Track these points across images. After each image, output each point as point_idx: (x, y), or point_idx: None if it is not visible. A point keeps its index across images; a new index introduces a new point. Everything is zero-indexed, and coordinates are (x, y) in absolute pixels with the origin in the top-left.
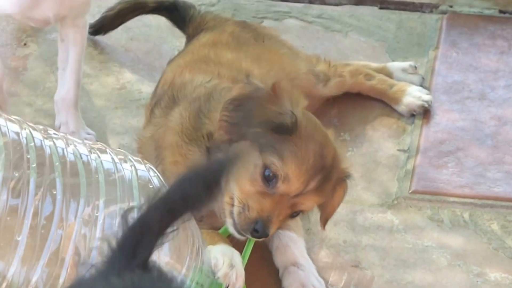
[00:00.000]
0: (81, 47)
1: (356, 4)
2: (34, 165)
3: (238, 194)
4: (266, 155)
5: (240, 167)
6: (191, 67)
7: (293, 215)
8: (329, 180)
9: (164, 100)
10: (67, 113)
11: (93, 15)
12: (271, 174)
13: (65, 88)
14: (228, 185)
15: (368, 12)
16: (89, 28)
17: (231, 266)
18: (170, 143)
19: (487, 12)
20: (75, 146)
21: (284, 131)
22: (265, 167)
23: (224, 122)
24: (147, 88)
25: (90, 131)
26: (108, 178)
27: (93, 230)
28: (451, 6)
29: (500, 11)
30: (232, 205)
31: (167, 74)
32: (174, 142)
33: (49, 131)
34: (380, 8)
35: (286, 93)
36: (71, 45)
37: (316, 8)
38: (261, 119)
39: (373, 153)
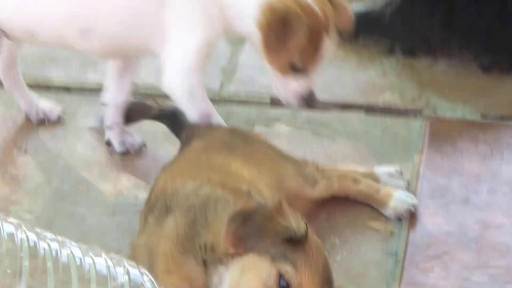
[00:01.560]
0: None
1: (343, 110)
2: (27, 264)
3: None
4: (279, 263)
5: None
6: (182, 173)
7: None
8: None
9: (157, 207)
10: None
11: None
12: (285, 284)
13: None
14: None
15: (355, 117)
16: None
17: None
18: (164, 251)
19: (469, 117)
20: (70, 249)
21: (295, 241)
22: (280, 275)
23: (231, 235)
24: (143, 194)
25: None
26: (101, 281)
27: None
28: (434, 111)
29: (482, 116)
30: None
31: (160, 181)
32: (169, 250)
33: (44, 234)
34: (366, 113)
35: (290, 210)
36: None
37: (305, 114)
38: (272, 232)
39: (362, 256)
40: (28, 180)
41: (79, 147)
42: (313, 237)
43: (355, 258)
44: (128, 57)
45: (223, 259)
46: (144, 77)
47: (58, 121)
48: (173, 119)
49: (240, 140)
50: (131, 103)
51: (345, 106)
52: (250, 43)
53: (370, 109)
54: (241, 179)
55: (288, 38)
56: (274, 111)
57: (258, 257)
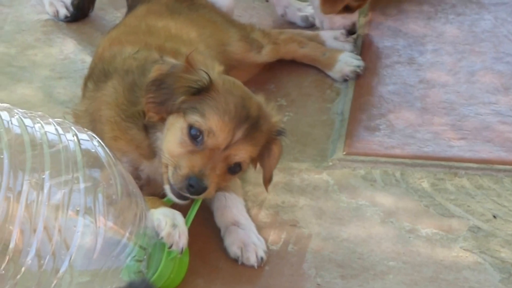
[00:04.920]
0: None
1: None
2: None
3: (170, 158)
4: (188, 116)
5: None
6: (120, 39)
7: (232, 170)
8: (258, 129)
9: (95, 73)
10: None
11: None
12: (197, 132)
13: None
14: (163, 154)
15: None
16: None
17: (174, 225)
18: (107, 119)
19: None
20: (20, 117)
21: (202, 92)
22: (190, 126)
23: (150, 104)
24: (89, 59)
25: None
26: (52, 148)
27: (40, 195)
28: None
29: None
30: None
31: (99, 47)
32: (112, 117)
33: None
34: None
35: (200, 62)
36: None
37: None
38: (181, 89)
39: (308, 117)
40: None
41: (25, 12)
42: (225, 81)
43: (301, 118)
44: None
45: (157, 125)
46: None
47: None
48: None
49: (185, 5)
50: None
51: None
52: None
53: None
54: (180, 42)
55: None
56: None
57: (175, 117)
